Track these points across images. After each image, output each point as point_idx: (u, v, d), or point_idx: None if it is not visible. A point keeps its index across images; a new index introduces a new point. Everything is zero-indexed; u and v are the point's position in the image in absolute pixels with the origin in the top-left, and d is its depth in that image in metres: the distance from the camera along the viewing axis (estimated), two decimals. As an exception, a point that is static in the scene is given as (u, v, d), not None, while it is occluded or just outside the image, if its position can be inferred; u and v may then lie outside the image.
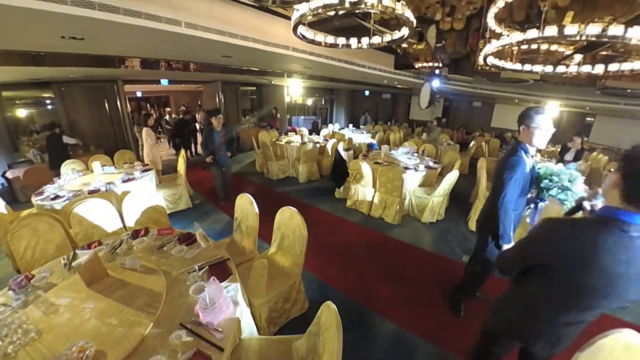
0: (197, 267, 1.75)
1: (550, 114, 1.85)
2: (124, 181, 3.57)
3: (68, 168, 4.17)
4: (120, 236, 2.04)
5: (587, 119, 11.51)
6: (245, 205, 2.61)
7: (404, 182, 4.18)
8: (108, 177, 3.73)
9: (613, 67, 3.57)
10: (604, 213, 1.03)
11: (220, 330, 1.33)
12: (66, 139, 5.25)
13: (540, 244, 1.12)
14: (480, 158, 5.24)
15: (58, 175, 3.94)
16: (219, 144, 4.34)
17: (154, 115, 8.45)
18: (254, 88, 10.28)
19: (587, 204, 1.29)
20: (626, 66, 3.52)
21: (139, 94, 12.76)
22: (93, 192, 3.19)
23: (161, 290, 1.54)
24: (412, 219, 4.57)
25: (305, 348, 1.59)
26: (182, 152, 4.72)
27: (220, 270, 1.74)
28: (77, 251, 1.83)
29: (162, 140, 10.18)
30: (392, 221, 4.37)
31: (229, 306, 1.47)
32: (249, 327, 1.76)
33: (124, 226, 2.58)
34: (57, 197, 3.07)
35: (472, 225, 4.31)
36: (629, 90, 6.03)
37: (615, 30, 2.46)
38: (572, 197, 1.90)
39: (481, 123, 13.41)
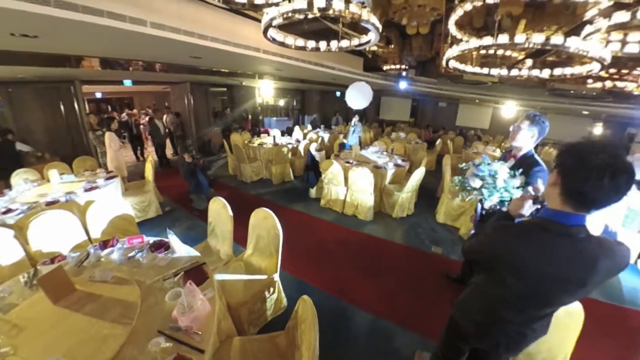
0: (172, 274, 1.73)
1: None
2: (86, 190, 3.34)
3: (20, 178, 3.80)
4: (86, 248, 1.93)
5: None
6: (219, 209, 2.59)
7: (374, 180, 4.34)
8: (68, 187, 3.45)
9: (557, 71, 3.97)
10: (545, 216, 1.03)
11: (200, 332, 1.34)
12: (20, 146, 4.83)
13: (487, 251, 1.14)
14: (445, 155, 5.56)
15: (8, 186, 3.61)
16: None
17: (117, 118, 7.97)
18: (225, 89, 10.06)
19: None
20: (568, 70, 3.92)
21: (98, 95, 11.95)
22: (51, 204, 2.94)
23: (135, 300, 1.50)
24: (383, 215, 4.75)
25: (285, 342, 1.65)
26: (150, 157, 4.52)
27: (196, 275, 1.72)
28: (38, 267, 1.72)
29: (125, 144, 9.64)
30: (365, 218, 4.52)
31: (207, 308, 1.47)
32: (229, 329, 1.77)
33: (89, 238, 2.44)
34: (8, 210, 2.79)
35: (440, 217, 4.58)
36: (572, 91, 6.70)
37: (556, 39, 2.76)
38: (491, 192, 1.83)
39: (447, 122, 14.16)
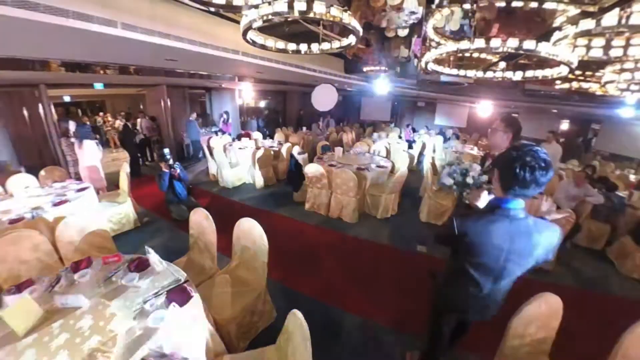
0: (153, 295, 1.63)
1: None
2: (55, 204, 3.08)
3: (-22, 193, 3.49)
4: (57, 271, 1.79)
5: (513, 115, 13.14)
6: (200, 220, 2.50)
7: (358, 181, 4.36)
8: (34, 201, 3.17)
9: (529, 73, 4.15)
10: (492, 203, 1.34)
11: (187, 357, 1.27)
12: None
13: (450, 233, 1.39)
14: (426, 154, 5.67)
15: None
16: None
17: (89, 123, 7.56)
18: (204, 91, 9.78)
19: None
20: (539, 73, 4.11)
21: (67, 99, 11.21)
22: (16, 222, 2.68)
23: (115, 326, 1.40)
24: (368, 216, 4.78)
25: (277, 357, 1.62)
26: (124, 165, 4.29)
27: (179, 294, 1.64)
28: (2, 296, 1.56)
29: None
30: (350, 220, 4.53)
31: (194, 330, 1.40)
32: (218, 348, 1.70)
33: (61, 259, 2.26)
34: (-34, 230, 2.55)
35: (423, 217, 4.67)
36: (541, 92, 7.06)
37: (529, 44, 2.87)
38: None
39: (425, 121, 14.53)
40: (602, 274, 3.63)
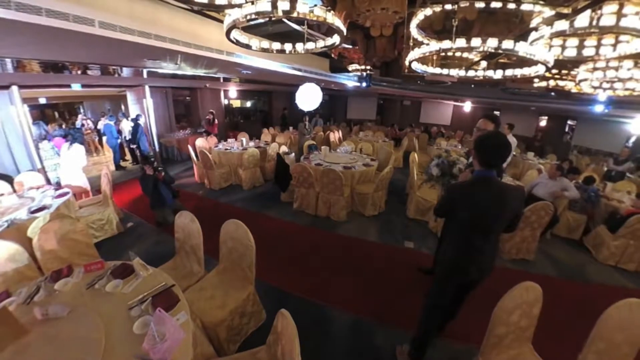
0: (138, 301, 1.59)
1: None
2: (32, 212, 2.92)
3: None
4: (35, 281, 1.72)
5: (494, 112, 13.51)
6: (186, 223, 2.45)
7: (345, 180, 4.39)
8: (9, 210, 3.01)
9: (508, 72, 4.28)
10: (474, 174, 1.74)
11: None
12: None
13: (449, 198, 1.81)
14: (412, 152, 5.77)
15: None
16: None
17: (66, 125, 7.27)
18: (188, 91, 9.58)
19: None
20: (518, 71, 4.25)
21: (43, 100, 10.73)
22: None
23: (99, 335, 1.36)
24: (356, 214, 4.83)
25: (267, 358, 1.62)
26: (106, 168, 4.16)
27: (165, 299, 1.61)
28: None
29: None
30: (338, 218, 4.56)
31: (180, 335, 1.38)
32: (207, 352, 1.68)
33: (40, 268, 2.16)
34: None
35: (410, 213, 4.75)
36: (519, 89, 7.32)
37: (507, 43, 2.97)
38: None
39: (411, 119, 14.77)
40: (579, 262, 3.80)
